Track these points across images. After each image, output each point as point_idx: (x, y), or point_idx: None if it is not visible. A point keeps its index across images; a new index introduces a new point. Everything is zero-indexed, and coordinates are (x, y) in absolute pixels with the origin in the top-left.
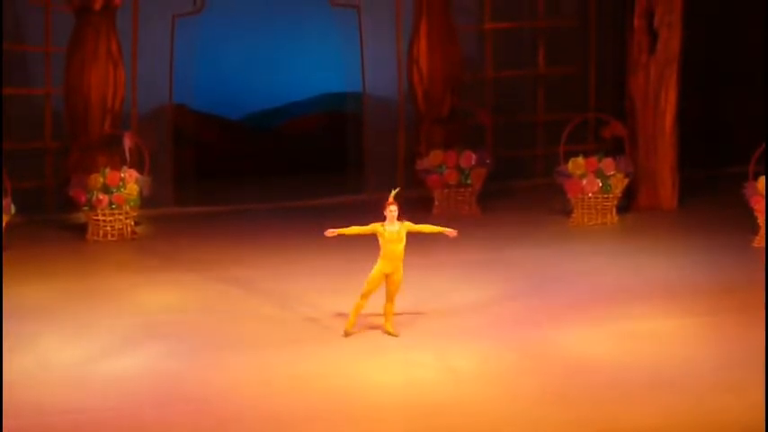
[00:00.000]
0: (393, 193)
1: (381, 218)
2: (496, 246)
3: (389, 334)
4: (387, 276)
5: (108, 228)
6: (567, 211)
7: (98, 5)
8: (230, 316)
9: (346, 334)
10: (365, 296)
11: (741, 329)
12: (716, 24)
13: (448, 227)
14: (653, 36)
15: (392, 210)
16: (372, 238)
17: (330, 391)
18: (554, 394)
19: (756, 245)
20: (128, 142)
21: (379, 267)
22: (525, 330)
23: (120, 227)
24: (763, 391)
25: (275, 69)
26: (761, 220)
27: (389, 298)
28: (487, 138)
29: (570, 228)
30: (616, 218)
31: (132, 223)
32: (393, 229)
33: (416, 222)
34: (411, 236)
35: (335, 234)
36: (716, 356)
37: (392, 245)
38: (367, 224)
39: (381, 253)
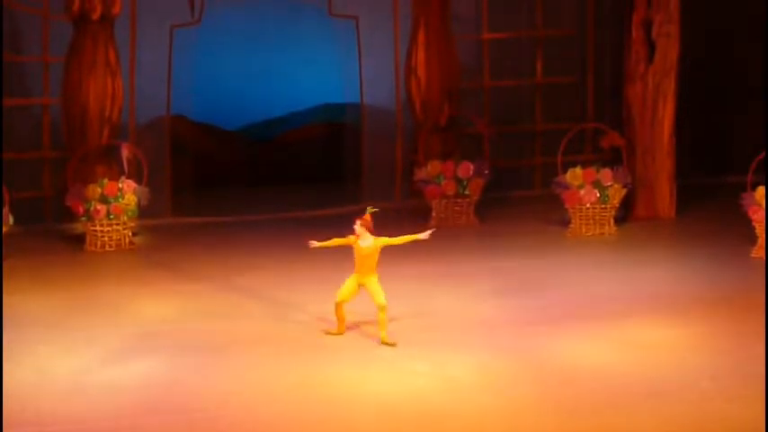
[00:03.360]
0: (369, 210)
1: (383, 226)
2: (494, 256)
3: (386, 344)
4: (363, 286)
5: (106, 238)
6: (564, 222)
7: (96, 15)
8: (228, 325)
9: (328, 333)
10: (339, 305)
11: (739, 339)
12: (714, 34)
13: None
14: (651, 46)
15: (356, 226)
16: None
17: (327, 400)
18: (551, 403)
19: (754, 255)
20: (126, 153)
21: (352, 278)
22: (522, 339)
23: (118, 237)
24: (762, 401)
25: (273, 80)
26: (759, 230)
27: (378, 308)
28: (485, 148)
29: (568, 238)
30: (614, 228)
31: (130, 234)
32: (365, 244)
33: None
34: (406, 247)
35: (317, 247)
36: (714, 366)
37: (364, 259)
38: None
39: (355, 265)
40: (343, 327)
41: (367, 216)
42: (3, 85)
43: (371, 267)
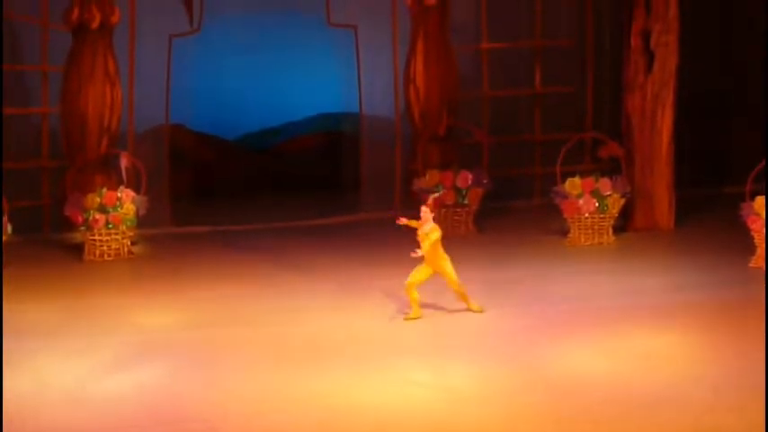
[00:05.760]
0: (433, 196)
1: (383, 235)
2: (493, 265)
3: (473, 310)
4: (437, 272)
5: (105, 248)
6: (563, 231)
7: (95, 24)
8: (227, 334)
9: (407, 318)
10: (410, 287)
11: (739, 349)
12: (714, 44)
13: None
14: (650, 56)
15: (423, 210)
16: (367, 258)
17: (327, 409)
18: (551, 413)
19: (753, 265)
20: (124, 162)
21: (423, 267)
22: (522, 349)
23: (117, 247)
24: (762, 411)
25: (272, 89)
26: (758, 240)
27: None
28: (484, 157)
29: (567, 248)
30: (612, 238)
31: (129, 243)
32: (427, 229)
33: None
34: (406, 256)
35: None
36: (714, 376)
37: (434, 245)
38: (362, 240)
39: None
40: (418, 309)
41: (432, 200)
42: (2, 94)
43: (439, 254)
